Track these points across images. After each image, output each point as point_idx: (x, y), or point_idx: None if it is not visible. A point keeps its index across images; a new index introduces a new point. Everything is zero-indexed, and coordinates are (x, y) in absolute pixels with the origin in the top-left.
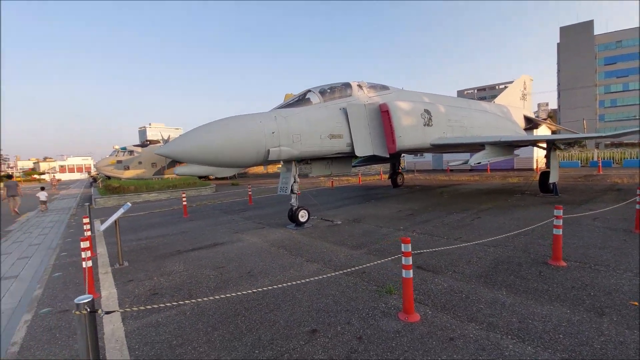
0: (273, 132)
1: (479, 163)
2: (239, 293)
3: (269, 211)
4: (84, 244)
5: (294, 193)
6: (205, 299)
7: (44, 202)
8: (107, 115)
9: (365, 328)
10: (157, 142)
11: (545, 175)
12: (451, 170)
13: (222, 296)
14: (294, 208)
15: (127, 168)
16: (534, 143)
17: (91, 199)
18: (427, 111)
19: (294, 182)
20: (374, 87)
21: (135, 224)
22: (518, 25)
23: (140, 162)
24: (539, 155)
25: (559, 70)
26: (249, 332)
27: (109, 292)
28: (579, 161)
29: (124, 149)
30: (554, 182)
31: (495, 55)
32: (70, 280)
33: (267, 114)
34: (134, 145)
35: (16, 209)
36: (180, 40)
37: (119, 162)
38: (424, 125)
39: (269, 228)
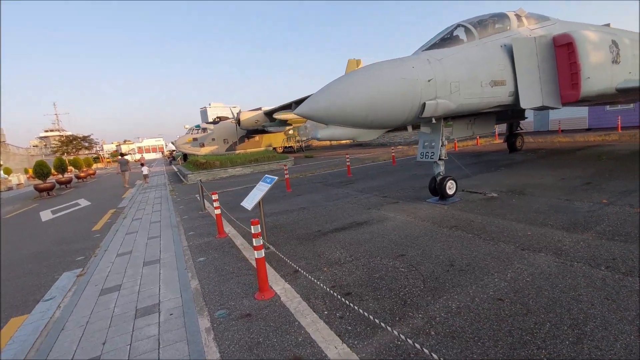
0: (429, 80)
1: None
2: (475, 299)
3: (378, 183)
4: (255, 229)
5: (441, 159)
6: (434, 307)
7: (146, 176)
8: (170, 99)
9: None
10: (227, 118)
11: None
12: (562, 131)
13: (455, 304)
14: (440, 178)
15: (202, 145)
16: None
17: (178, 176)
18: (614, 43)
19: (442, 145)
20: (533, 17)
21: (240, 199)
22: None
23: (213, 139)
24: None
25: None
26: None
27: (283, 289)
28: None
29: (198, 127)
30: None
31: None
32: (221, 268)
33: (418, 58)
34: (207, 123)
35: (127, 183)
36: (231, 20)
37: (194, 139)
38: (612, 62)
39: (405, 203)
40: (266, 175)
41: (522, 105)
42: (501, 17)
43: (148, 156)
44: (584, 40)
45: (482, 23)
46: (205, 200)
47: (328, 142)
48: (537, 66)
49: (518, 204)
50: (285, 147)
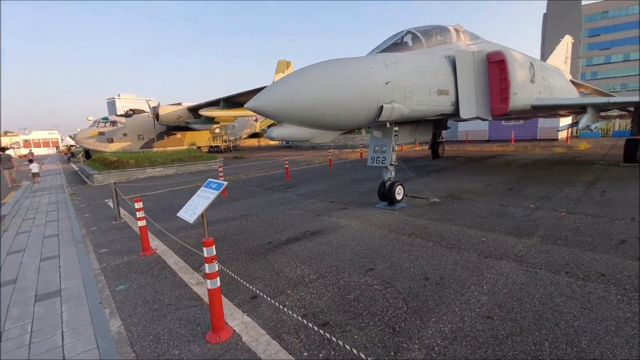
0: (387, 83)
1: (588, 127)
2: (465, 319)
3: (320, 187)
4: (208, 251)
5: (392, 165)
6: (427, 333)
7: (35, 175)
8: (71, 88)
9: None
10: (142, 111)
11: (633, 143)
12: (469, 141)
13: (447, 327)
14: (389, 183)
15: (111, 141)
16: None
17: (79, 176)
18: (532, 65)
19: (393, 150)
20: (467, 33)
21: (166, 205)
22: None
23: (125, 134)
24: (564, 124)
25: (543, 43)
26: None
27: (243, 323)
28: (600, 131)
29: (105, 119)
30: None
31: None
32: (153, 299)
33: (375, 59)
34: (117, 116)
35: (13, 181)
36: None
37: (101, 134)
38: (530, 81)
39: (355, 208)
40: (210, 179)
41: (462, 115)
42: (443, 29)
43: (38, 151)
44: (513, 60)
45: (427, 33)
46: (120, 207)
47: (256, 143)
48: (474, 79)
49: (461, 208)
50: (211, 146)
